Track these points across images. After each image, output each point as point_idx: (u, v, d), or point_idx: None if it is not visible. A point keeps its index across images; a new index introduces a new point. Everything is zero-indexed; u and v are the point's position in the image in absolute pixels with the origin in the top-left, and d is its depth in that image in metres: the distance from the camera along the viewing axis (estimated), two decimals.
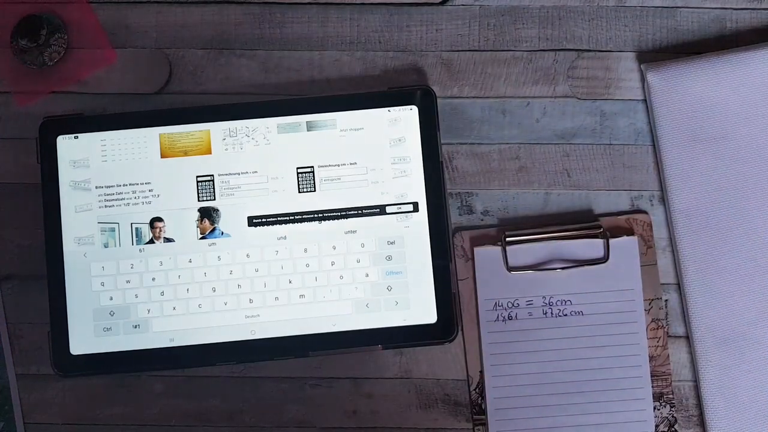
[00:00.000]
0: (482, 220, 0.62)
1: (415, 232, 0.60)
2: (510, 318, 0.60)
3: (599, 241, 0.60)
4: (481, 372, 0.60)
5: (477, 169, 0.62)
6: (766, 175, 0.60)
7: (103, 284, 0.60)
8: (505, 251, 0.60)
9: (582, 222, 0.61)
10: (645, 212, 0.62)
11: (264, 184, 0.60)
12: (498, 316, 0.60)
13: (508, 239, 0.60)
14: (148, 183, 0.61)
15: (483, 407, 0.60)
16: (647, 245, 0.61)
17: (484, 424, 0.60)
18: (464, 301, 0.61)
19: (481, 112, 0.63)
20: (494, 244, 0.61)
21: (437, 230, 0.60)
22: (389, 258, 0.60)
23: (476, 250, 0.61)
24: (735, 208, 0.60)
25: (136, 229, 0.60)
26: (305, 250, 0.60)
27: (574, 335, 0.60)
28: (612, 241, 0.60)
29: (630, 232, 0.61)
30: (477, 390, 0.61)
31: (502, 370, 0.60)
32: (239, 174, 0.61)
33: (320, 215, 0.60)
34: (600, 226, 0.61)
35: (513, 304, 0.60)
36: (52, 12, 0.63)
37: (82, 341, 0.60)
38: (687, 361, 0.61)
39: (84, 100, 0.63)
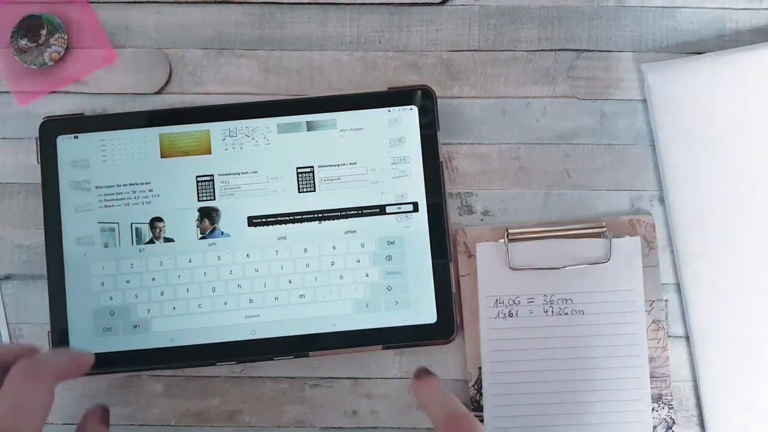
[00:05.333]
0: (482, 220, 0.62)
1: (415, 232, 0.60)
2: (511, 315, 0.60)
3: (602, 241, 0.60)
4: (480, 368, 0.60)
5: (477, 169, 0.62)
6: (766, 175, 0.60)
7: (103, 284, 0.60)
8: (507, 248, 0.60)
9: (585, 221, 0.61)
10: (648, 213, 0.62)
11: (264, 184, 0.60)
12: (499, 313, 0.60)
13: (510, 236, 0.60)
14: (148, 183, 0.61)
15: (481, 404, 0.60)
16: (650, 246, 0.61)
17: (482, 420, 0.60)
18: (466, 298, 0.61)
19: (481, 112, 0.63)
20: (497, 240, 0.61)
21: (437, 230, 0.60)
22: (389, 258, 0.60)
23: (478, 246, 0.61)
24: (735, 208, 0.60)
25: (136, 229, 0.60)
26: (305, 250, 0.60)
27: (574, 334, 0.60)
28: (614, 241, 0.60)
29: (633, 232, 0.61)
30: (475, 386, 0.61)
31: (500, 366, 0.60)
32: (239, 174, 0.61)
33: (320, 215, 0.60)
34: (603, 226, 0.61)
35: (514, 301, 0.60)
36: (52, 12, 0.63)
37: (82, 341, 0.60)
38: (686, 361, 0.61)
39: (84, 100, 0.63)
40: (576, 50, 0.63)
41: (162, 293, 0.60)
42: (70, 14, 0.63)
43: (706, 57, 0.61)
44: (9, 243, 0.62)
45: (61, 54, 0.63)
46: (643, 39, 0.63)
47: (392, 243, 0.60)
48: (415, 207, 0.60)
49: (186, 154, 0.61)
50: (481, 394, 0.60)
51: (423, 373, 0.55)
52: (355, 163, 0.61)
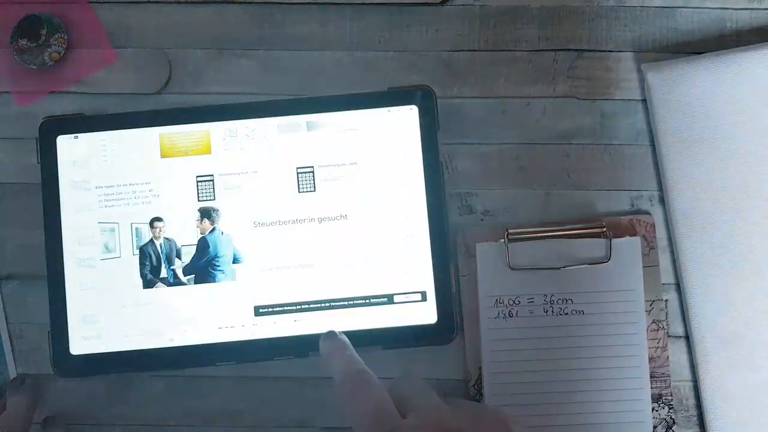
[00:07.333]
0: (482, 220, 0.62)
1: (414, 233, 0.60)
2: (511, 315, 0.60)
3: (602, 241, 0.60)
4: (480, 368, 0.60)
5: (477, 169, 0.62)
6: (766, 175, 0.60)
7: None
8: (507, 248, 0.60)
9: (585, 222, 0.61)
10: (648, 213, 0.62)
11: (264, 184, 0.60)
12: (499, 313, 0.60)
13: (510, 236, 0.60)
14: (148, 183, 0.60)
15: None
16: (650, 246, 0.61)
17: None
18: (466, 298, 0.61)
19: (481, 112, 0.63)
20: (497, 240, 0.61)
21: (437, 231, 0.60)
22: (389, 259, 0.60)
23: (478, 246, 0.61)
24: (735, 208, 0.60)
25: (136, 229, 0.60)
26: (305, 251, 0.60)
27: (574, 334, 0.60)
28: (614, 241, 0.60)
29: (633, 232, 0.61)
30: (475, 386, 0.61)
31: (500, 366, 0.60)
32: (239, 174, 0.60)
33: (320, 216, 0.60)
34: (603, 226, 0.61)
35: (514, 302, 0.60)
36: (52, 12, 0.63)
37: (83, 341, 0.60)
38: (686, 361, 0.61)
39: (84, 100, 0.63)
40: (576, 50, 0.63)
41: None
42: (70, 14, 0.63)
43: (706, 57, 0.61)
44: (9, 243, 0.62)
45: (61, 54, 0.63)
46: (643, 39, 0.63)
47: (392, 243, 0.60)
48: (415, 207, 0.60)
49: (186, 154, 0.61)
50: (481, 394, 0.60)
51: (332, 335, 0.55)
52: (355, 163, 0.61)
